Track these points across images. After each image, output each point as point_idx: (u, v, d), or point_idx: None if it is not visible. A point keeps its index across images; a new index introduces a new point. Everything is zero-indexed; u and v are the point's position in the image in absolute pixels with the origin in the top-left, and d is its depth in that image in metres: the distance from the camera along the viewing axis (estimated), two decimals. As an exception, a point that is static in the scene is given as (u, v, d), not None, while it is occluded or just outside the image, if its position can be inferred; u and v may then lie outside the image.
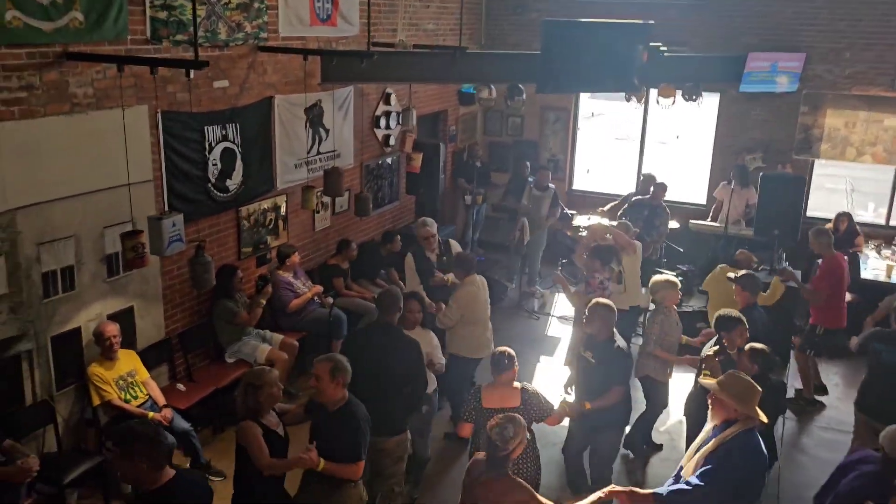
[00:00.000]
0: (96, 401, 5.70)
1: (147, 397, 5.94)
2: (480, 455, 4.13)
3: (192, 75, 5.28)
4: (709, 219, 10.65)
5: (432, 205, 10.48)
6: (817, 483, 6.03)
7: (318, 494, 4.40)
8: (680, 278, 9.55)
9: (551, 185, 10.47)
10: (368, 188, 9.49)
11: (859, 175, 13.29)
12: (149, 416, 5.76)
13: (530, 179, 10.73)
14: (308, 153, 8.13)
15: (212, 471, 6.15)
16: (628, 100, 10.38)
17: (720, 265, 7.70)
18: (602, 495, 3.97)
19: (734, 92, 10.72)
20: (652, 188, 9.96)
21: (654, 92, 9.50)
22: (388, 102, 9.53)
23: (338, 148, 8.58)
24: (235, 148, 7.06)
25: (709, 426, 4.21)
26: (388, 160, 9.86)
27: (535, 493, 3.96)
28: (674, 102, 10.09)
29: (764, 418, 4.12)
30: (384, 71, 7.98)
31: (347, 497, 4.39)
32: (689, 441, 4.81)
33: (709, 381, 4.25)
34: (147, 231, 5.24)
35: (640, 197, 10.11)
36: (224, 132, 6.90)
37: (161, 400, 6.00)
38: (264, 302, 7.07)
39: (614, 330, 5.44)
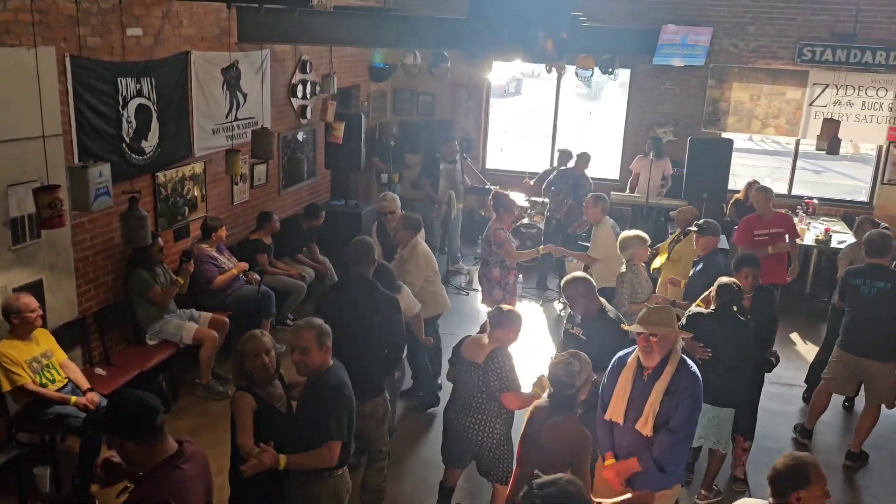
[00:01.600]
0: (6, 386, 4.87)
1: (66, 381, 5.16)
2: (541, 400, 3.81)
3: None
4: (626, 192, 10.72)
5: (347, 181, 10.02)
6: (773, 434, 6.18)
7: (291, 487, 3.81)
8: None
9: (463, 156, 10.26)
10: (284, 161, 8.91)
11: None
12: (71, 401, 5.01)
13: (437, 155, 10.43)
14: (226, 118, 7.48)
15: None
16: (549, 70, 10.30)
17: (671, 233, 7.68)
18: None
19: (644, 66, 10.91)
20: (575, 159, 9.90)
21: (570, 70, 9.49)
22: (304, 70, 8.98)
23: (255, 115, 7.96)
24: (151, 105, 6.35)
25: (628, 374, 3.96)
26: (304, 133, 9.29)
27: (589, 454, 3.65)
28: (592, 75, 10.15)
29: (688, 334, 4.31)
30: (303, 32, 7.44)
31: (319, 491, 3.76)
32: None
33: (635, 326, 3.97)
34: (69, 184, 4.53)
35: (563, 168, 10.02)
36: (139, 86, 6.18)
37: (84, 383, 5.22)
38: (183, 281, 6.40)
39: (602, 299, 5.02)
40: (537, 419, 3.66)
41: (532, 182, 10.55)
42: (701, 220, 6.46)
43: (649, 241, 6.23)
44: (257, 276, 7.26)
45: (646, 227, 10.03)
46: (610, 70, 10.10)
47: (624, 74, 11.19)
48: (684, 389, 3.82)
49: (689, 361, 3.99)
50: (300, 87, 8.91)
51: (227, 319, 6.72)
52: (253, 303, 7.08)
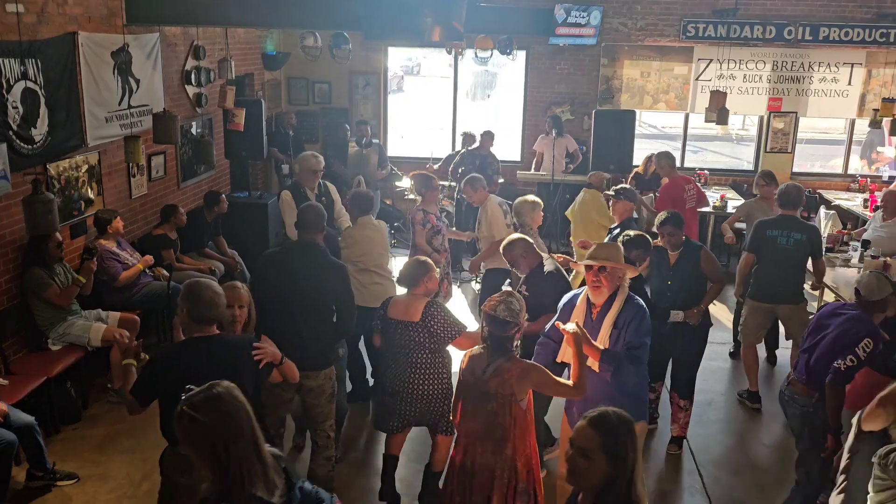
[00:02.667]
0: None
1: (-36, 391, 4.65)
2: (474, 349, 3.68)
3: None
4: (532, 171, 10.83)
5: (246, 173, 9.62)
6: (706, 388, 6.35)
7: None
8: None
9: (375, 140, 10.07)
10: (183, 153, 8.44)
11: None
12: (-26, 414, 4.51)
13: (352, 138, 10.22)
14: (119, 105, 6.99)
15: (59, 475, 4.97)
16: (449, 51, 10.28)
17: (584, 188, 7.75)
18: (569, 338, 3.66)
19: (539, 48, 11.07)
20: (479, 139, 9.90)
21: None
22: (197, 57, 8.51)
23: (149, 102, 7.48)
24: (38, 90, 5.83)
25: (577, 313, 4.00)
26: (200, 123, 8.82)
27: (550, 373, 3.61)
28: (491, 55, 10.20)
29: (637, 271, 4.37)
30: (195, 13, 7.06)
31: None
32: None
33: (586, 260, 3.99)
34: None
35: (468, 148, 10.01)
36: (24, 69, 5.65)
37: (-14, 392, 4.72)
38: (85, 280, 5.91)
39: (542, 254, 5.09)
40: (478, 368, 3.55)
41: (436, 166, 10.47)
42: (618, 186, 6.55)
43: (542, 206, 6.26)
44: (165, 272, 6.82)
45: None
46: (508, 51, 10.20)
47: (520, 58, 11.30)
48: (632, 320, 3.86)
49: (636, 297, 4.03)
50: (194, 74, 8.45)
51: (137, 318, 6.27)
52: (163, 300, 6.63)
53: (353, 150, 10.03)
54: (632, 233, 5.15)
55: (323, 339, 4.47)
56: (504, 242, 5.01)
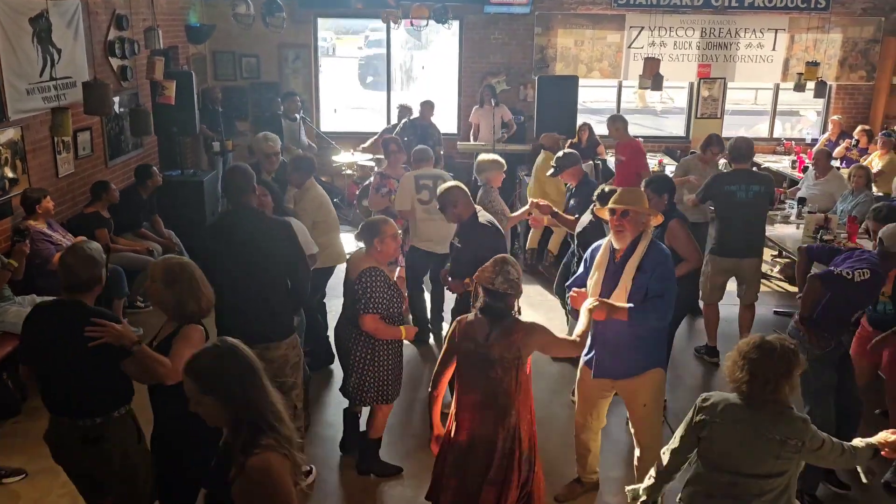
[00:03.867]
0: None
1: None
2: (468, 316, 3.49)
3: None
4: (471, 141, 10.73)
5: (175, 151, 9.16)
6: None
7: None
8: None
9: (302, 117, 9.77)
10: (109, 129, 7.95)
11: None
12: None
13: (278, 112, 9.88)
14: (40, 76, 6.49)
15: (4, 472, 4.60)
16: (385, 20, 10.04)
17: (543, 151, 7.72)
18: (590, 309, 3.65)
19: (474, 17, 10.95)
20: (419, 109, 9.73)
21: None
22: (120, 27, 8.03)
23: (73, 74, 6.99)
24: (-48, 58, 5.34)
25: (601, 260, 3.97)
26: (125, 98, 8.31)
27: (553, 332, 3.53)
28: (427, 24, 10.03)
29: (660, 218, 4.28)
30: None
31: None
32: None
33: (611, 205, 3.95)
34: None
35: (407, 119, 9.81)
36: (-64, 34, 5.16)
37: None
38: (17, 264, 5.47)
39: (477, 207, 5.05)
40: (480, 334, 3.40)
41: (368, 143, 10.24)
42: (555, 159, 6.46)
43: (505, 167, 6.18)
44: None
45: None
46: (444, 20, 10.04)
47: (454, 28, 11.14)
48: (656, 265, 3.82)
49: (660, 243, 4.00)
50: (118, 45, 7.96)
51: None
52: (100, 282, 6.23)
53: (285, 123, 9.67)
54: (659, 174, 5.10)
55: (280, 306, 4.25)
56: (441, 187, 4.97)
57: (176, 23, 9.78)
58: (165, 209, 7.92)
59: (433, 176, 6.34)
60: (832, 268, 4.27)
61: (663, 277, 3.82)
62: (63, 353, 3.24)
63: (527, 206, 6.12)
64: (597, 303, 3.69)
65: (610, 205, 3.95)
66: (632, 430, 4.27)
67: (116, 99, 8.05)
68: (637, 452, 4.20)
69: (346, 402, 4.85)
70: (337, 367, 5.81)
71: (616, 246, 3.94)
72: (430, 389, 3.73)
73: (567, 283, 4.35)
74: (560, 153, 6.48)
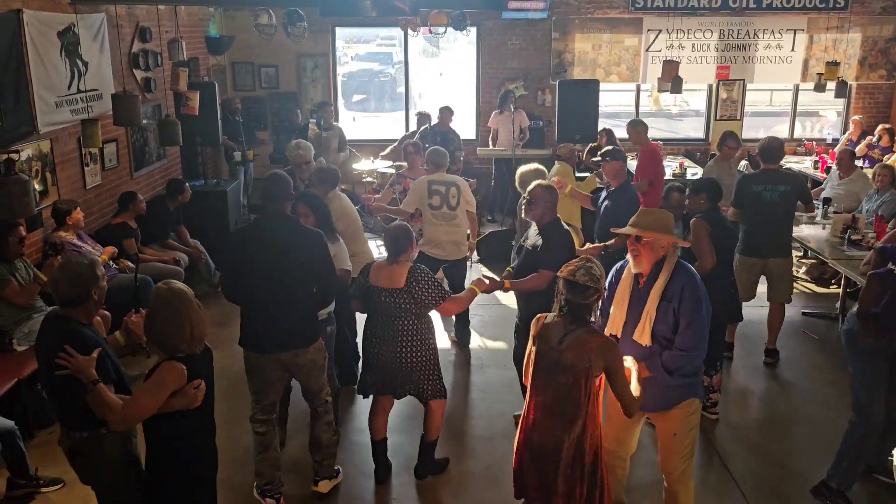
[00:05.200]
0: None
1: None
2: (548, 316, 3.45)
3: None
4: (490, 146, 10.74)
5: (197, 162, 9.25)
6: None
7: None
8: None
9: (336, 124, 9.81)
10: (134, 140, 8.03)
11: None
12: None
13: (312, 120, 9.94)
14: (68, 89, 6.57)
15: (43, 481, 4.64)
16: (403, 28, 10.08)
17: (557, 162, 7.71)
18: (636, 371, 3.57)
19: (491, 23, 10.98)
20: (438, 115, 9.75)
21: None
22: (144, 39, 8.11)
23: (98, 87, 7.07)
24: (-15, 72, 5.41)
25: (625, 285, 3.78)
26: (149, 110, 8.39)
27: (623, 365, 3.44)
28: (445, 31, 10.05)
29: (686, 243, 4.04)
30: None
31: None
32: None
33: (626, 229, 3.79)
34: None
35: (427, 126, 9.84)
36: (-31, 49, 5.24)
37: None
38: (45, 278, 5.53)
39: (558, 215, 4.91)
40: (554, 337, 3.36)
41: (388, 150, 10.28)
42: (605, 149, 6.46)
43: (545, 172, 6.17)
44: (130, 263, 6.48)
45: (512, 181, 10.14)
46: (462, 26, 10.06)
47: (472, 35, 11.17)
48: (680, 293, 3.57)
49: (687, 265, 3.75)
50: (142, 57, 8.04)
51: (107, 313, 5.89)
52: (130, 293, 6.25)
53: (313, 132, 9.73)
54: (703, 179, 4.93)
55: (308, 313, 4.28)
56: (536, 184, 4.81)
57: (196, 34, 9.88)
58: (189, 219, 7.98)
59: (446, 182, 6.32)
60: (892, 266, 4.08)
61: (690, 308, 3.56)
62: (48, 367, 3.24)
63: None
64: (631, 365, 3.57)
65: (628, 228, 3.76)
66: (659, 459, 4.02)
67: (144, 110, 8.15)
68: (665, 484, 3.98)
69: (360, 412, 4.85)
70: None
71: (634, 271, 3.74)
72: (522, 379, 3.78)
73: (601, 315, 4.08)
74: (610, 146, 6.51)
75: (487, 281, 4.62)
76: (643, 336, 3.61)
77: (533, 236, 4.80)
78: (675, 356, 3.61)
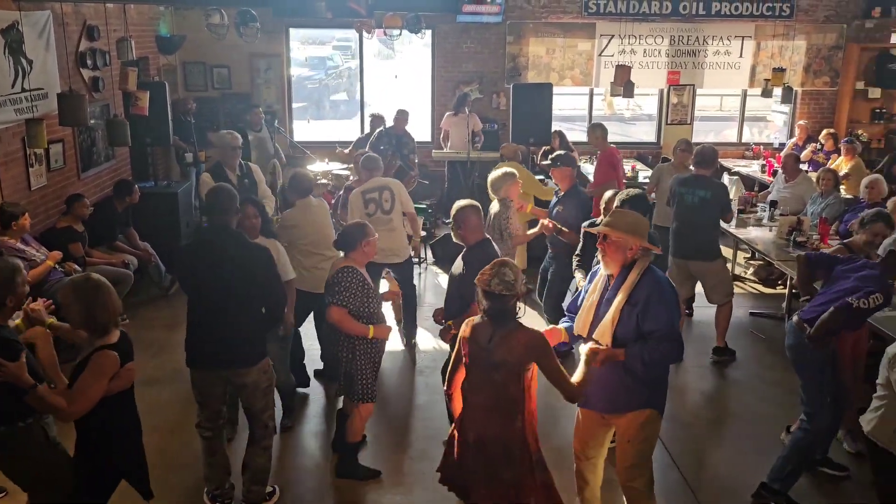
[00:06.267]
0: None
1: None
2: (475, 319, 3.47)
3: None
4: (443, 149, 10.76)
5: (146, 163, 9.08)
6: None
7: None
8: (430, 210, 9.67)
9: (276, 127, 9.76)
10: (81, 140, 7.84)
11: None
12: None
13: (240, 125, 9.79)
14: (12, 88, 6.40)
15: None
16: (358, 30, 10.04)
17: (500, 162, 7.73)
18: (587, 356, 3.52)
19: (446, 26, 11.00)
20: (393, 118, 9.73)
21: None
22: (91, 37, 7.93)
23: (44, 86, 6.90)
24: (-76, 69, 5.23)
25: (597, 283, 3.78)
26: (96, 110, 8.20)
27: (555, 357, 3.41)
28: (400, 34, 10.05)
29: (658, 249, 3.96)
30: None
31: None
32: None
33: (597, 227, 3.82)
34: None
35: (382, 128, 9.81)
36: None
37: None
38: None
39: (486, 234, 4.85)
40: (483, 337, 3.39)
41: (347, 150, 10.23)
42: (556, 153, 6.54)
43: (517, 175, 6.19)
44: (77, 267, 6.33)
45: (468, 182, 10.20)
46: (418, 29, 10.07)
47: (427, 37, 11.17)
48: (646, 298, 3.53)
49: (659, 272, 3.70)
50: (89, 57, 7.86)
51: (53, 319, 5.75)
52: (77, 296, 6.13)
53: (251, 136, 9.58)
54: (632, 191, 4.87)
55: (253, 332, 4.18)
56: (459, 204, 4.74)
57: (146, 33, 9.70)
58: (139, 221, 7.83)
59: (379, 187, 6.30)
60: (850, 300, 4.19)
61: (654, 316, 3.51)
62: None
63: (537, 229, 6.05)
64: (594, 349, 3.52)
65: (599, 226, 3.79)
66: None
67: (88, 110, 7.95)
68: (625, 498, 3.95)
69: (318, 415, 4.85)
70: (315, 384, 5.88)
71: (603, 271, 3.75)
72: (445, 388, 3.75)
73: (567, 306, 4.17)
74: (559, 151, 6.59)
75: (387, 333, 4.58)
76: (604, 336, 3.60)
77: (458, 260, 4.69)
78: (633, 353, 3.54)
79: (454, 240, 4.86)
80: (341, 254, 4.68)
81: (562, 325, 3.95)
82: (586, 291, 3.84)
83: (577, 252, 5.43)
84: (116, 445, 3.48)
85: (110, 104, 8.45)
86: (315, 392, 5.84)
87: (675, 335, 3.56)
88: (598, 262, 3.83)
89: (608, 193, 5.19)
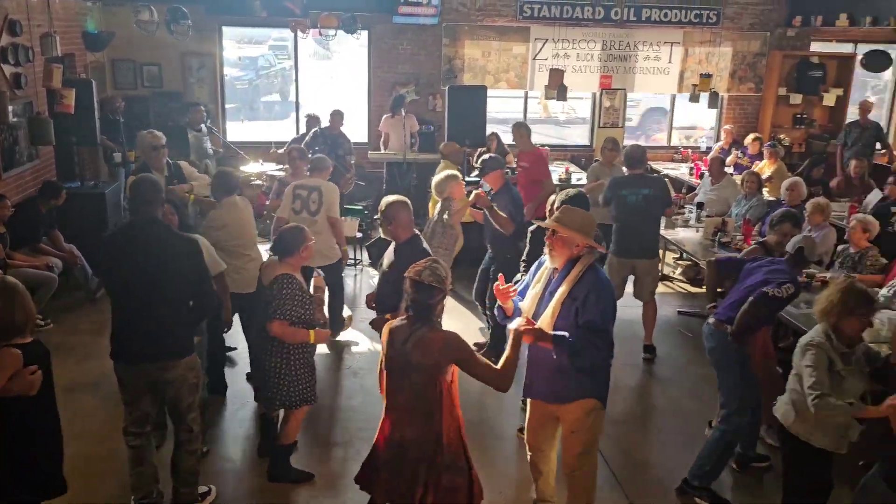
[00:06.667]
0: None
1: None
2: (394, 322, 3.48)
3: None
4: (381, 150, 10.75)
5: (72, 163, 8.81)
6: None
7: None
8: (366, 212, 9.65)
9: (209, 127, 9.58)
10: (3, 139, 7.56)
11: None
12: None
13: (182, 124, 9.63)
14: (-73, 84, 6.14)
15: None
16: (293, 30, 9.95)
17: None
18: (515, 330, 3.54)
19: (382, 27, 11.00)
20: (329, 119, 9.68)
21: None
22: (14, 33, 7.65)
23: (-38, 83, 6.64)
24: None
25: (543, 274, 3.92)
26: (18, 107, 7.92)
27: (473, 350, 3.45)
28: (335, 34, 10.02)
29: (602, 248, 4.07)
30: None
31: None
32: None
33: (546, 222, 3.96)
34: None
35: (317, 129, 9.74)
36: None
37: None
38: None
39: (416, 230, 4.85)
40: (399, 340, 3.39)
41: (281, 151, 10.11)
42: (480, 160, 6.59)
43: (460, 176, 6.25)
44: (-2, 270, 6.11)
45: (405, 183, 10.20)
46: (354, 30, 10.06)
47: (363, 38, 11.16)
48: (586, 294, 3.65)
49: (601, 271, 3.84)
50: (11, 52, 7.58)
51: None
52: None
53: (191, 135, 9.42)
54: (572, 191, 4.95)
55: (180, 324, 4.10)
56: (388, 200, 4.73)
57: (72, 29, 9.41)
58: (65, 222, 7.60)
59: (309, 187, 6.29)
60: (766, 289, 4.41)
61: (592, 311, 3.62)
62: None
63: (471, 198, 6.09)
64: (525, 325, 3.57)
65: (548, 221, 3.91)
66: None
67: (10, 108, 7.68)
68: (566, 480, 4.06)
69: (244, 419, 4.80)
70: (233, 386, 5.81)
71: (549, 265, 3.88)
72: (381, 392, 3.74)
73: (514, 288, 4.15)
74: (486, 155, 6.63)
75: (326, 338, 4.61)
76: (545, 326, 3.70)
77: (388, 256, 4.72)
78: (564, 341, 3.61)
79: (382, 235, 4.91)
80: (271, 256, 4.62)
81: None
82: (530, 282, 3.97)
83: (523, 257, 5.51)
84: (39, 448, 3.35)
85: (33, 101, 8.16)
86: (248, 395, 5.77)
87: (605, 331, 3.68)
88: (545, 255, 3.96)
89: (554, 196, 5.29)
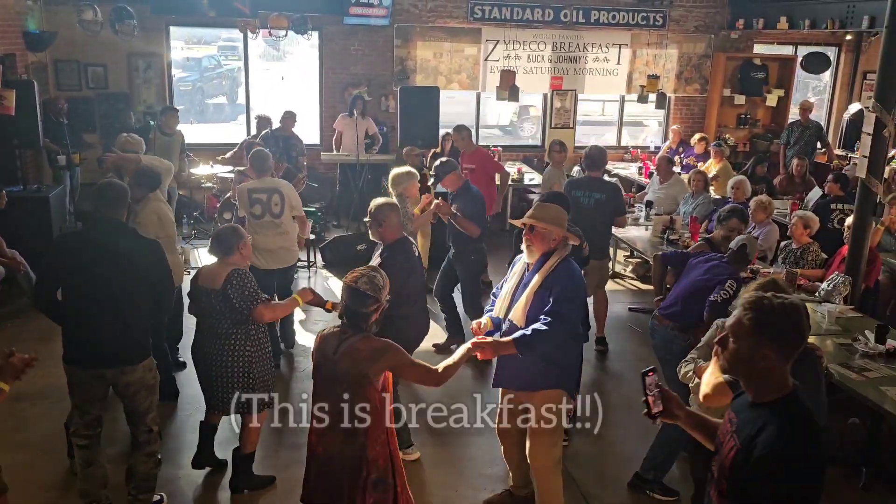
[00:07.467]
0: None
1: None
2: (326, 330, 3.43)
3: None
4: (334, 151, 10.70)
5: (14, 166, 8.58)
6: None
7: None
8: (319, 213, 9.61)
9: (179, 129, 9.41)
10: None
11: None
12: None
13: (153, 123, 9.45)
14: None
15: None
16: (242, 30, 9.84)
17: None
18: (468, 348, 3.60)
19: (333, 28, 10.95)
20: (280, 120, 9.60)
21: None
22: (-51, 31, 7.43)
23: None
24: None
25: (518, 269, 4.04)
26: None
27: (408, 355, 3.43)
28: (286, 34, 9.95)
29: (577, 240, 4.23)
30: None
31: None
32: None
33: (522, 219, 4.02)
34: None
35: (268, 130, 9.65)
36: None
37: None
38: None
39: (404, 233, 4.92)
40: (329, 348, 3.33)
41: (228, 154, 9.98)
42: (434, 167, 6.64)
43: (418, 176, 6.28)
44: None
45: (359, 185, 10.19)
46: (304, 30, 10.00)
47: (314, 39, 11.08)
48: (557, 282, 3.78)
49: (574, 264, 3.95)
50: (-53, 52, 7.37)
51: None
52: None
53: (160, 138, 9.23)
54: (553, 192, 5.12)
55: (139, 327, 4.06)
56: (377, 203, 4.76)
57: (12, 29, 9.16)
58: (7, 227, 7.37)
59: (268, 189, 6.14)
60: (713, 298, 4.58)
61: (559, 298, 3.74)
62: None
63: (431, 207, 6.19)
64: (480, 343, 3.63)
65: (525, 218, 3.98)
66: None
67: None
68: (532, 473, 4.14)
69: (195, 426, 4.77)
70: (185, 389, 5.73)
71: (525, 260, 4.00)
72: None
73: (493, 291, 4.31)
74: (438, 161, 6.64)
75: (312, 294, 4.47)
76: (519, 317, 3.81)
77: (375, 257, 4.74)
78: (523, 340, 3.71)
79: (371, 238, 4.91)
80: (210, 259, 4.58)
81: (486, 315, 4.13)
82: (507, 278, 4.09)
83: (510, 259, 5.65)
84: None
85: (-29, 104, 7.93)
86: (200, 400, 5.68)
87: (567, 316, 3.77)
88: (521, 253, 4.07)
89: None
